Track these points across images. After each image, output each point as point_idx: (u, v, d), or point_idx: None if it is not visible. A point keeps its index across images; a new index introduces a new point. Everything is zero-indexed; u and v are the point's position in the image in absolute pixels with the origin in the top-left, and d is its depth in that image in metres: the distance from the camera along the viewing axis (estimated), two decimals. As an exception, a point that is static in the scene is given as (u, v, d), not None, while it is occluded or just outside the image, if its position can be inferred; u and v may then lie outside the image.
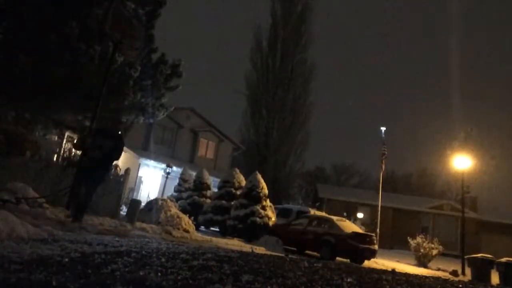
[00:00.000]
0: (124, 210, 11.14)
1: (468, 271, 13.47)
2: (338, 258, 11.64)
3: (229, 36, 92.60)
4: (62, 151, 12.94)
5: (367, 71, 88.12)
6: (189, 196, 17.35)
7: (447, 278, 7.78)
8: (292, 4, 34.79)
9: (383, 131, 19.50)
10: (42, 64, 8.96)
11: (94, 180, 7.22)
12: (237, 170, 16.37)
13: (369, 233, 13.36)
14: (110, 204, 9.77)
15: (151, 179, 22.34)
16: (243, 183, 15.34)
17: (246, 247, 10.01)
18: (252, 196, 13.96)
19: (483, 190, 30.89)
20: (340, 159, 69.47)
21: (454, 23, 73.37)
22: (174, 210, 10.97)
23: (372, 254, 12.20)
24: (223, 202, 15.02)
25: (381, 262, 13.59)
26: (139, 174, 21.32)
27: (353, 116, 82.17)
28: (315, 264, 4.31)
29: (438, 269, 14.83)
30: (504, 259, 11.79)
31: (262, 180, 14.39)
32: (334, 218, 13.46)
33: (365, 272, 4.34)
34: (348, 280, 3.26)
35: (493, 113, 63.90)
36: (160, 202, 11.09)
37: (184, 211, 12.74)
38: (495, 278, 12.04)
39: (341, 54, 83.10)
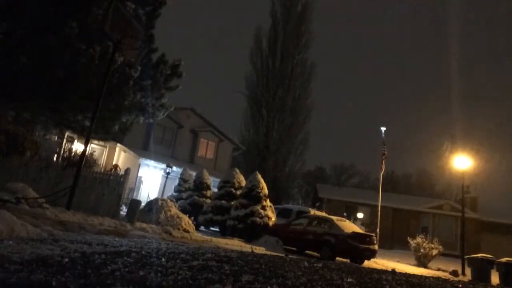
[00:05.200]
0: (124, 210, 11.14)
1: (468, 271, 13.46)
2: (338, 258, 11.64)
3: (229, 36, 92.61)
4: (62, 151, 12.95)
5: (367, 71, 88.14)
6: (189, 196, 17.34)
7: (447, 278, 7.79)
8: (292, 4, 34.79)
9: (383, 131, 19.50)
10: (42, 64, 8.96)
11: None
12: (237, 170, 16.36)
13: (369, 233, 13.35)
14: (110, 204, 9.78)
15: (151, 179, 22.33)
16: (243, 183, 15.33)
17: (246, 247, 10.01)
18: (252, 196, 13.95)
19: (483, 190, 30.89)
20: (340, 159, 69.57)
21: (454, 23, 73.35)
22: (174, 210, 10.97)
23: (372, 254, 12.19)
24: (223, 202, 15.01)
25: (381, 262, 13.59)
26: (139, 174, 21.31)
27: (353, 116, 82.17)
28: (315, 264, 4.31)
29: (438, 269, 14.83)
30: (504, 259, 11.79)
31: (262, 180, 14.38)
32: (334, 218, 13.45)
33: (365, 272, 4.34)
34: (348, 280, 3.26)
35: (493, 113, 63.88)
36: (160, 202, 11.09)
37: (184, 211, 12.73)
38: (495, 278, 12.04)
39: (341, 54, 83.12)
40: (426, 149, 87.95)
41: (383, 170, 19.05)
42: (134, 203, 10.32)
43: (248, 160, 32.35)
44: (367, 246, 11.93)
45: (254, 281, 2.65)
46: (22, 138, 9.80)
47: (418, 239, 16.42)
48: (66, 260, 2.89)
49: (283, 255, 7.44)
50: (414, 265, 15.47)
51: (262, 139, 32.75)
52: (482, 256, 12.73)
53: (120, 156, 19.80)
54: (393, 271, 5.11)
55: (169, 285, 2.29)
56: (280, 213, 16.29)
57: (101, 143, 16.40)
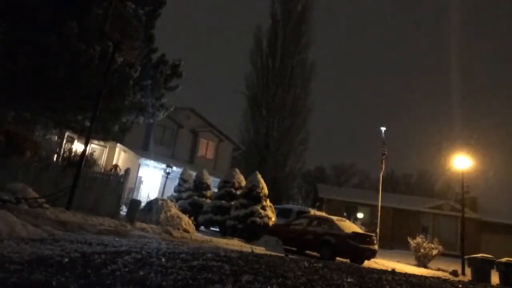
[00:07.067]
0: (124, 210, 11.14)
1: (468, 271, 13.46)
2: (338, 258, 11.63)
3: (229, 36, 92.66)
4: (62, 151, 12.95)
5: (367, 71, 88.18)
6: (189, 196, 17.33)
7: (447, 278, 7.78)
8: (292, 4, 34.79)
9: (383, 131, 19.48)
10: (42, 64, 8.96)
11: None
12: (237, 170, 16.35)
13: (369, 233, 13.34)
14: (110, 204, 9.78)
15: (151, 179, 22.33)
16: (243, 183, 15.32)
17: (246, 247, 10.01)
18: (252, 196, 13.94)
19: (483, 190, 30.91)
20: (340, 159, 69.61)
21: (455, 23, 73.33)
22: (174, 210, 10.97)
23: (372, 254, 12.18)
24: (223, 202, 15.01)
25: (381, 262, 13.58)
26: (139, 174, 21.31)
27: (353, 116, 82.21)
28: (315, 264, 4.31)
29: (438, 269, 14.82)
30: (504, 259, 11.78)
31: (262, 180, 14.37)
32: (334, 218, 13.45)
33: (365, 272, 4.34)
34: (348, 280, 3.26)
35: (493, 113, 63.88)
36: (160, 202, 11.08)
37: (184, 211, 12.73)
38: (495, 278, 12.03)
39: (341, 54, 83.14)
40: (426, 149, 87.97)
41: (383, 170, 19.03)
42: (134, 203, 10.32)
43: (248, 160, 32.34)
44: (367, 246, 11.92)
45: (254, 281, 2.65)
46: (22, 138, 9.79)
47: (418, 239, 16.40)
48: (66, 260, 2.89)
49: (283, 255, 7.44)
50: (414, 265, 15.46)
51: (262, 139, 32.75)
52: (482, 256, 12.72)
53: (120, 156, 19.80)
54: (393, 271, 5.12)
55: (169, 285, 2.29)
56: (280, 213, 16.28)
57: (101, 143, 16.39)
